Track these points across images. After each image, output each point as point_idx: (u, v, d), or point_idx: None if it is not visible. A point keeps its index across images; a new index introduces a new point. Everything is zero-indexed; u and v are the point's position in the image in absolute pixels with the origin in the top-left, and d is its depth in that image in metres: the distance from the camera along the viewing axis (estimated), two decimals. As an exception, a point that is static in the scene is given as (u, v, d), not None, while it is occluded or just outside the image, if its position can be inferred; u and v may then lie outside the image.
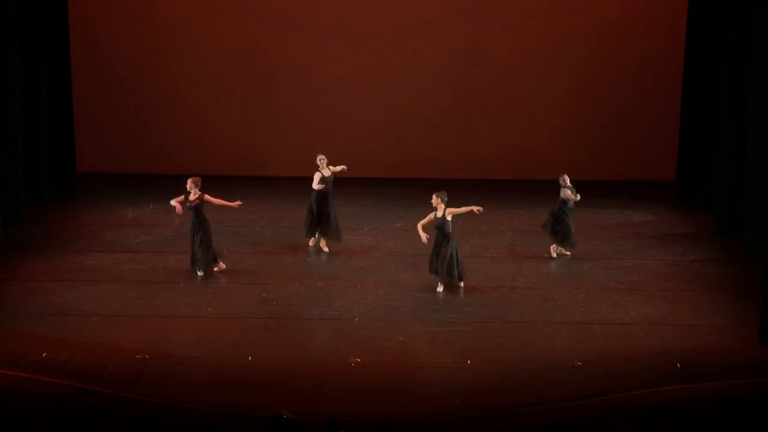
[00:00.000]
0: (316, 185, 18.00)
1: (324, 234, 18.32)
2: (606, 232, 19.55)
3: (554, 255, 18.16)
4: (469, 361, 14.39)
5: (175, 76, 22.47)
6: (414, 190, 20.16)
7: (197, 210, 17.12)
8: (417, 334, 15.25)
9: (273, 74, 22.47)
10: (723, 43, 19.53)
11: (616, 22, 22.11)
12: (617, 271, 17.59)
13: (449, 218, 16.58)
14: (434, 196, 16.62)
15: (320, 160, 18.04)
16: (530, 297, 16.53)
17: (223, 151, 22.56)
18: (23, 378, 13.68)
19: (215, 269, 17.25)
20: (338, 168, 18.20)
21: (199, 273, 17.15)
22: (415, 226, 16.77)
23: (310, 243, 18.46)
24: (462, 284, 16.80)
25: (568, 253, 18.20)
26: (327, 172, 18.08)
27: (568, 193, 17.86)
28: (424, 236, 16.63)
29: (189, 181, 17.18)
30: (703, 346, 14.88)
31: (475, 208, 16.72)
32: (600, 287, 16.95)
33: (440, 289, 16.68)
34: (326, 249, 18.37)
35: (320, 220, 18.19)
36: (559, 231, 18.03)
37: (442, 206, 16.58)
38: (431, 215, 16.67)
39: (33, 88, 20.28)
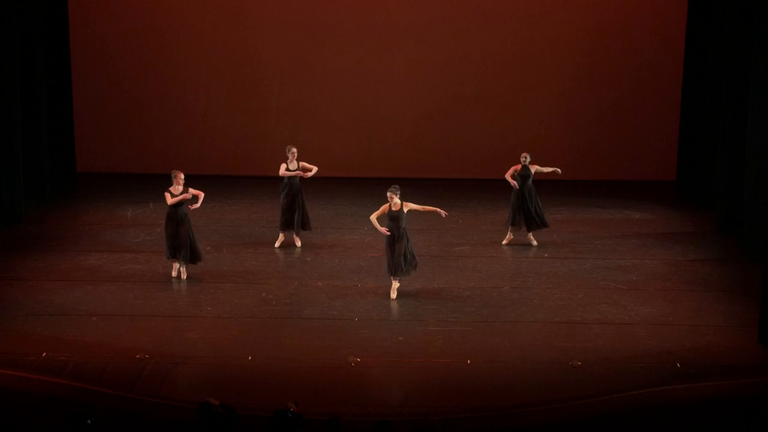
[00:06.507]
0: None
1: (295, 227, 18.38)
2: (606, 231, 19.55)
3: (534, 243, 18.62)
4: (469, 361, 14.40)
5: (175, 77, 22.48)
6: (413, 190, 20.10)
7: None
8: (417, 334, 15.24)
9: (273, 75, 22.48)
10: (723, 43, 19.55)
11: (616, 21, 22.11)
12: (617, 271, 17.59)
13: (406, 211, 16.21)
14: (389, 192, 16.10)
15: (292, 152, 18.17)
16: (530, 297, 16.52)
17: (223, 151, 22.56)
18: (23, 378, 13.67)
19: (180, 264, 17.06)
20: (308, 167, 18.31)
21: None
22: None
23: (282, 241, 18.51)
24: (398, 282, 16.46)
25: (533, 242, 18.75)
26: (293, 165, 18.23)
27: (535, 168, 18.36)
28: (384, 230, 16.14)
29: (179, 174, 16.85)
30: (703, 345, 14.87)
31: (441, 212, 16.32)
32: (600, 287, 16.94)
33: (394, 295, 16.33)
34: (299, 243, 18.50)
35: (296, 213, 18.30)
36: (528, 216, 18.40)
37: (398, 201, 16.12)
38: (385, 206, 16.17)
39: (33, 88, 20.29)
